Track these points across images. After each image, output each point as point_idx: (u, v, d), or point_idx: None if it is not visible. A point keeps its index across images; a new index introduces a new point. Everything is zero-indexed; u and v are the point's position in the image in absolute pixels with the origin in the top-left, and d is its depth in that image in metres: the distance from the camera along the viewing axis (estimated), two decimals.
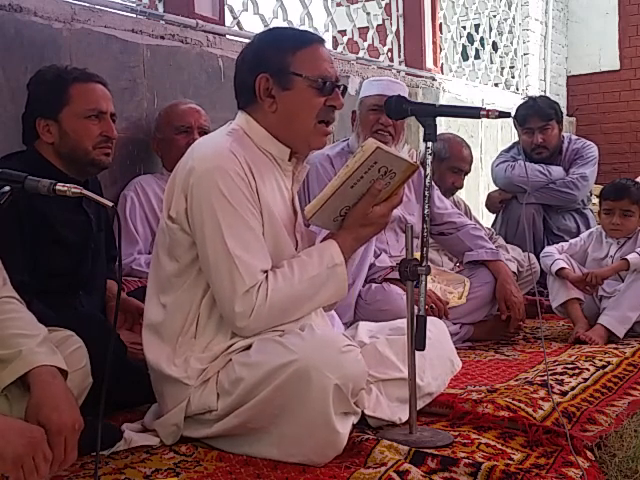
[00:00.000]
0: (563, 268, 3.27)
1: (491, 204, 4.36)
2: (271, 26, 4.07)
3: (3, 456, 1.36)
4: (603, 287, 3.24)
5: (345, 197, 1.83)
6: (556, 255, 3.35)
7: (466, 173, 3.98)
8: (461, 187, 3.97)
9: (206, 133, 2.80)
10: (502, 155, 4.51)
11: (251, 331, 1.78)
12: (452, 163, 3.84)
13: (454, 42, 6.09)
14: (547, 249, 3.47)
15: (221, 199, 1.75)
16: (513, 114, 4.47)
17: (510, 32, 6.83)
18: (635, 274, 3.12)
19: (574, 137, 4.62)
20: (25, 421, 1.47)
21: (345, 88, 1.95)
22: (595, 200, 6.14)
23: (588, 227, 4.36)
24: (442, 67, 5.74)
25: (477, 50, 6.38)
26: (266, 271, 1.78)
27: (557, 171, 4.30)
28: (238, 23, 3.87)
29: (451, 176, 3.84)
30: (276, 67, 1.86)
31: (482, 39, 6.44)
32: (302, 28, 4.32)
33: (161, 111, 3.06)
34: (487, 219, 4.82)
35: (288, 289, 1.78)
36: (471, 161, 4.00)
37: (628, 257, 3.12)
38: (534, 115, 4.19)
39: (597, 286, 3.22)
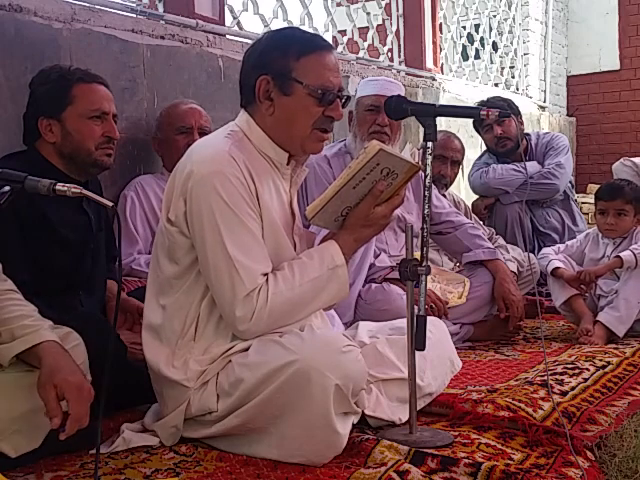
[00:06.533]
0: (558, 268, 3.28)
1: (477, 212, 4.40)
2: (271, 26, 4.08)
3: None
4: (600, 286, 3.25)
5: (347, 198, 1.83)
6: (551, 256, 3.36)
7: (455, 163, 3.95)
8: (448, 177, 3.93)
9: (207, 134, 2.80)
10: (475, 165, 4.60)
11: (252, 334, 1.78)
12: (437, 151, 3.79)
13: (454, 42, 6.09)
14: (544, 250, 3.48)
15: (220, 203, 1.74)
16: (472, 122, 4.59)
17: (510, 32, 6.83)
18: (629, 272, 3.13)
19: (542, 132, 4.72)
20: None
21: (348, 98, 1.93)
22: (587, 198, 6.19)
23: (574, 221, 4.44)
24: (442, 67, 5.74)
25: (477, 50, 6.39)
26: (266, 274, 1.78)
27: (532, 166, 4.39)
28: (238, 23, 3.87)
29: (437, 165, 3.81)
30: (278, 71, 1.84)
31: (482, 39, 6.44)
32: (304, 28, 4.33)
33: (162, 111, 3.06)
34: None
35: (289, 292, 1.77)
36: (459, 150, 3.98)
37: (621, 254, 3.13)
38: None
39: (592, 284, 3.23)
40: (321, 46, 1.89)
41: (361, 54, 4.91)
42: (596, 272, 3.19)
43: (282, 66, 1.84)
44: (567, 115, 7.74)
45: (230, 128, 1.91)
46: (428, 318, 1.89)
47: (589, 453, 1.82)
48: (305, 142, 1.89)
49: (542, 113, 7.08)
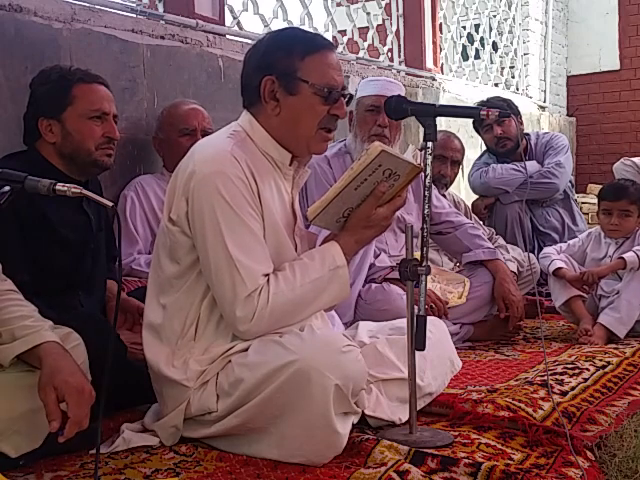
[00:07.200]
0: (560, 268, 3.27)
1: (477, 212, 4.40)
2: (271, 26, 4.08)
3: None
4: (602, 286, 3.25)
5: (348, 199, 1.83)
6: (553, 255, 3.35)
7: (455, 163, 3.96)
8: (448, 177, 3.94)
9: (209, 134, 2.79)
10: (475, 165, 4.60)
11: (253, 334, 1.78)
12: (437, 151, 3.80)
13: (454, 42, 6.10)
14: (545, 250, 3.47)
15: (222, 203, 1.74)
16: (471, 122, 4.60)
17: (510, 32, 6.83)
18: (632, 273, 3.13)
19: (541, 132, 4.73)
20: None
21: (351, 97, 1.94)
22: (587, 198, 6.19)
23: (574, 220, 4.45)
24: (442, 67, 5.75)
25: (477, 50, 6.39)
26: (267, 275, 1.78)
27: (532, 165, 4.40)
28: (238, 23, 3.87)
29: (437, 165, 3.81)
30: (283, 71, 1.84)
31: (482, 39, 6.44)
32: (304, 28, 4.33)
33: (163, 110, 3.05)
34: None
35: (290, 292, 1.77)
36: (459, 150, 3.99)
37: (624, 256, 3.13)
38: None
39: (594, 285, 3.23)
40: (324, 45, 1.90)
41: (361, 54, 4.91)
42: (599, 273, 3.19)
43: (287, 66, 1.85)
44: (567, 115, 7.74)
45: (232, 128, 1.91)
46: (428, 318, 1.89)
47: (589, 453, 1.82)
48: (310, 142, 1.89)
49: (542, 113, 7.08)
